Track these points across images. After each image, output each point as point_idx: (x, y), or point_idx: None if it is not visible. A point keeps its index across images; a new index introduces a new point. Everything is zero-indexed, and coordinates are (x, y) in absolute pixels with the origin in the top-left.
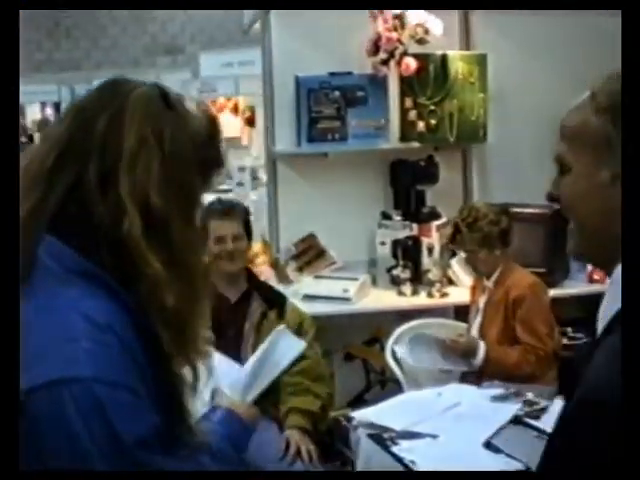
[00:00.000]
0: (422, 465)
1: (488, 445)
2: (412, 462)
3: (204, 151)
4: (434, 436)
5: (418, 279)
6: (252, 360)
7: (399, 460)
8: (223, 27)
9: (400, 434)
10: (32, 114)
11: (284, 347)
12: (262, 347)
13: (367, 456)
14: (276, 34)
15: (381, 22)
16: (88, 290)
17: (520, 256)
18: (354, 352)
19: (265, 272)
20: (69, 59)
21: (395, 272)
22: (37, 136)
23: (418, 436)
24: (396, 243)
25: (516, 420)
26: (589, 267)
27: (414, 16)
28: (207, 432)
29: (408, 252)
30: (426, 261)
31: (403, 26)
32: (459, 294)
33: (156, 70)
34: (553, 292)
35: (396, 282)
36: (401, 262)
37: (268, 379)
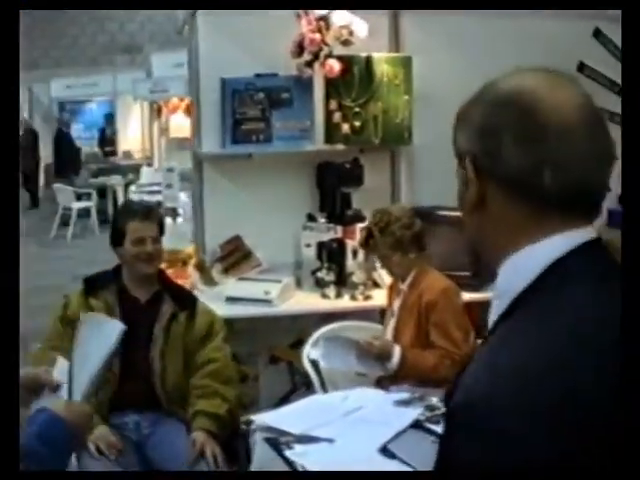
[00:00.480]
0: (313, 470)
1: (384, 450)
2: (302, 467)
3: None
4: (330, 440)
5: (342, 282)
6: (72, 356)
7: (290, 464)
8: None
9: (297, 438)
10: None
11: (98, 333)
12: (76, 337)
13: (260, 460)
14: (203, 35)
15: (305, 23)
16: None
17: (446, 259)
18: (279, 354)
19: (191, 273)
20: (27, 58)
21: (320, 274)
22: None
23: (314, 440)
24: (321, 245)
25: (416, 425)
26: None
27: (339, 18)
28: (24, 435)
29: (332, 254)
30: (350, 264)
31: (328, 27)
32: (384, 297)
33: (113, 69)
34: (478, 295)
35: (320, 284)
36: (325, 264)
37: (91, 371)
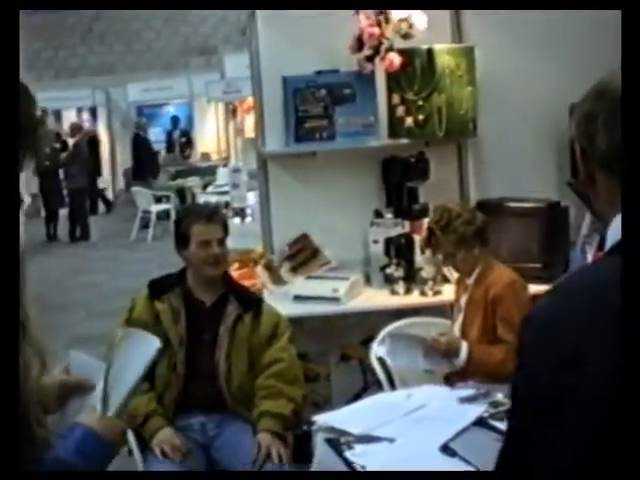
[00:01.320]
0: (372, 470)
1: (445, 448)
2: (362, 467)
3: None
4: (391, 440)
5: (411, 277)
6: (109, 371)
7: (349, 465)
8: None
9: (357, 438)
10: (68, 120)
11: (136, 349)
12: (115, 353)
13: (320, 460)
14: (262, 34)
15: (364, 18)
16: None
17: (516, 251)
18: (350, 352)
19: (259, 273)
20: (103, 63)
21: (388, 270)
22: (70, 141)
23: (375, 440)
24: (389, 241)
25: (480, 422)
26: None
27: (397, 11)
28: (61, 447)
29: (401, 250)
30: (419, 259)
31: (387, 21)
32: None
33: (188, 72)
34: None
35: (389, 280)
36: (394, 260)
37: (127, 387)
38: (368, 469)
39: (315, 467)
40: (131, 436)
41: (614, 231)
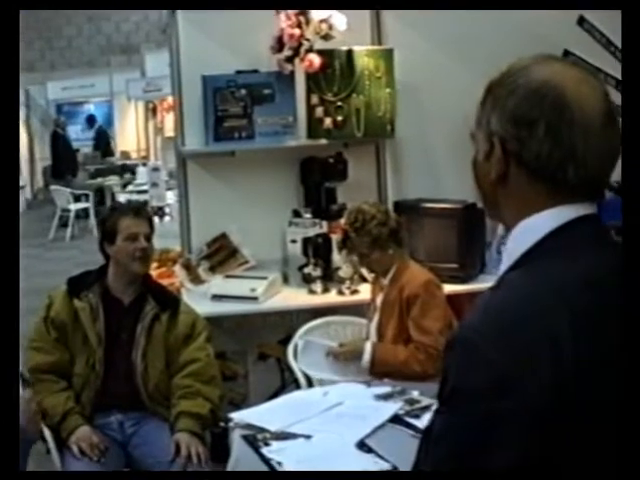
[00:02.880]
0: (289, 466)
1: (361, 445)
2: (279, 463)
3: None
4: (308, 436)
5: (329, 277)
6: None
7: (267, 461)
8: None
9: (274, 435)
10: None
11: None
12: None
13: (237, 457)
14: (183, 33)
15: (284, 18)
16: None
17: (433, 251)
18: (268, 351)
19: (177, 272)
20: (22, 61)
21: (306, 270)
22: None
23: (292, 437)
24: (307, 241)
25: (396, 419)
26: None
27: (318, 12)
28: None
29: (318, 250)
30: (337, 259)
31: (307, 22)
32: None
33: (109, 70)
34: (464, 287)
35: (307, 280)
36: (312, 260)
37: None
38: (285, 465)
39: (232, 464)
40: (49, 435)
41: (520, 237)
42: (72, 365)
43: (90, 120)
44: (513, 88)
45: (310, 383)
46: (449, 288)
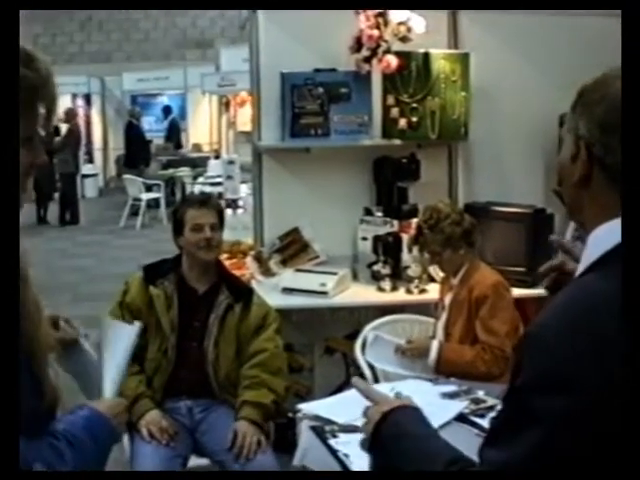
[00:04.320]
0: (356, 459)
1: None
2: (346, 455)
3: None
4: None
5: (398, 275)
6: (101, 359)
7: (333, 453)
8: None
9: (342, 427)
10: (63, 105)
11: (120, 336)
12: (101, 342)
13: (305, 448)
14: (263, 30)
15: (363, 19)
16: None
17: (500, 255)
18: (334, 345)
19: (249, 264)
20: (100, 51)
21: (375, 268)
22: (63, 127)
23: (358, 430)
24: (377, 239)
25: (461, 417)
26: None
27: (397, 14)
28: (70, 422)
29: (388, 248)
30: (406, 257)
31: (386, 24)
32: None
33: (184, 63)
34: (531, 292)
35: (376, 277)
36: (381, 258)
37: (118, 372)
38: (351, 457)
39: (299, 454)
40: None
41: (599, 240)
42: (145, 350)
43: (166, 110)
44: (603, 95)
45: (376, 379)
46: (516, 292)
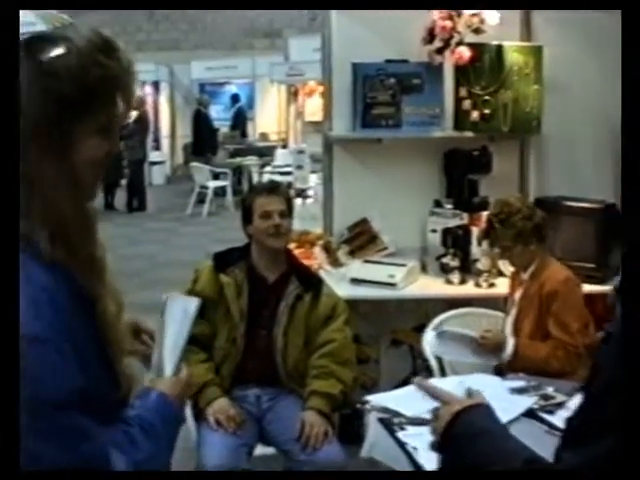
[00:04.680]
0: (423, 452)
1: None
2: (414, 448)
3: (72, 87)
4: None
5: (467, 268)
6: (162, 336)
7: (402, 445)
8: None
9: (410, 420)
10: None
11: (178, 312)
12: (161, 319)
13: (373, 440)
14: (336, 21)
15: (436, 11)
16: (30, 252)
17: (570, 250)
18: (401, 337)
19: (317, 254)
20: (168, 40)
21: (444, 260)
22: (132, 114)
23: (427, 423)
24: (446, 231)
25: (530, 413)
26: None
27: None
28: (141, 407)
29: (458, 241)
30: (475, 251)
31: (459, 15)
32: (507, 285)
33: (252, 52)
34: (601, 288)
35: (445, 270)
36: (451, 250)
37: (178, 349)
38: (420, 450)
39: (367, 446)
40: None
41: None
42: (214, 338)
43: (234, 99)
44: None
45: (443, 372)
46: (586, 288)
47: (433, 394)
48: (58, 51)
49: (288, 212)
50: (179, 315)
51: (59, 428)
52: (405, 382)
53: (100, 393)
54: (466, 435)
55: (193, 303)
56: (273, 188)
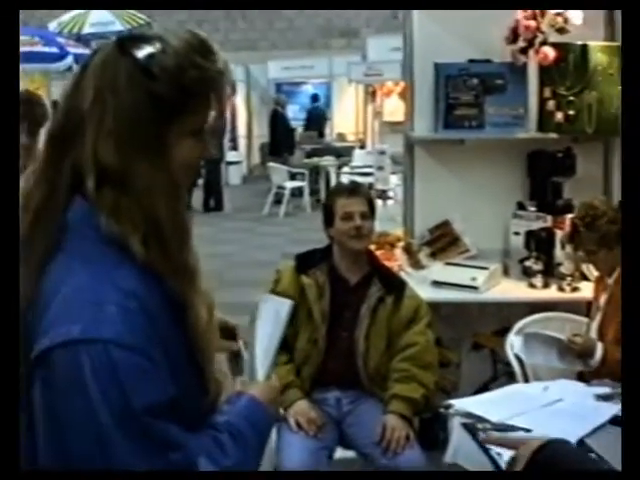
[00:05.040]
0: (508, 457)
1: (581, 444)
2: (498, 454)
3: (180, 85)
4: (528, 430)
5: (550, 272)
6: (253, 338)
7: (486, 451)
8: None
9: (494, 426)
10: None
11: (272, 314)
12: (255, 323)
13: (457, 445)
14: (417, 20)
15: (520, 10)
16: (118, 256)
17: None
18: (483, 341)
19: (398, 256)
20: (245, 40)
21: (527, 263)
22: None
23: (511, 429)
24: (530, 234)
25: (615, 421)
26: None
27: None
28: (231, 413)
29: (541, 244)
30: (559, 254)
31: (543, 14)
32: (592, 290)
33: (329, 52)
34: None
35: (528, 274)
36: (534, 254)
37: (270, 352)
38: (504, 456)
39: (451, 451)
40: None
41: None
42: (295, 340)
43: (313, 98)
44: None
45: (525, 377)
46: None
47: (504, 444)
48: (154, 51)
49: (370, 213)
50: (271, 317)
51: (150, 436)
52: (485, 386)
53: (190, 399)
54: (550, 463)
55: (286, 305)
56: (354, 189)
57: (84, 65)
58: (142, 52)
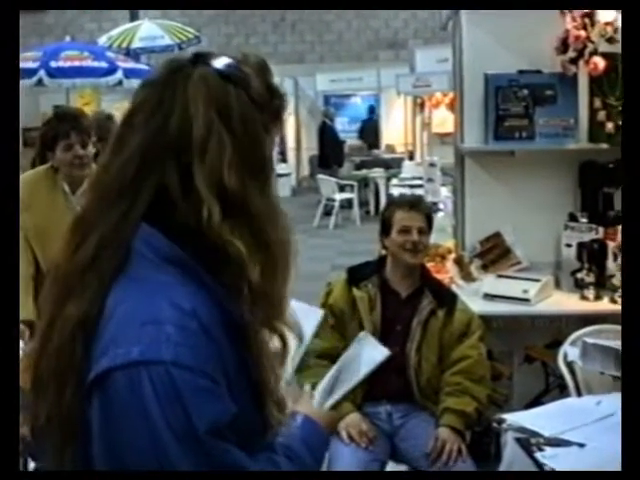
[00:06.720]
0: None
1: None
2: (552, 469)
3: (267, 108)
4: (581, 445)
5: (602, 284)
6: (335, 365)
7: (540, 467)
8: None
9: (547, 440)
10: None
11: (367, 354)
12: (346, 353)
13: (510, 460)
14: (467, 31)
15: (569, 20)
16: (179, 277)
17: None
18: (534, 354)
19: (449, 268)
20: (293, 52)
21: (579, 275)
22: None
23: (565, 444)
24: (581, 246)
25: None
26: None
27: (604, 14)
28: (287, 434)
29: (593, 256)
30: (611, 266)
31: (593, 24)
32: None
33: (377, 64)
34: None
35: (579, 286)
36: (586, 265)
37: (347, 386)
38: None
39: (505, 466)
40: None
41: None
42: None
43: (370, 110)
44: None
45: (578, 390)
46: None
47: None
48: (252, 80)
49: (427, 229)
50: (364, 357)
51: (212, 457)
52: (537, 399)
53: (248, 421)
54: None
55: (384, 354)
56: (415, 203)
57: (164, 82)
58: (250, 82)
